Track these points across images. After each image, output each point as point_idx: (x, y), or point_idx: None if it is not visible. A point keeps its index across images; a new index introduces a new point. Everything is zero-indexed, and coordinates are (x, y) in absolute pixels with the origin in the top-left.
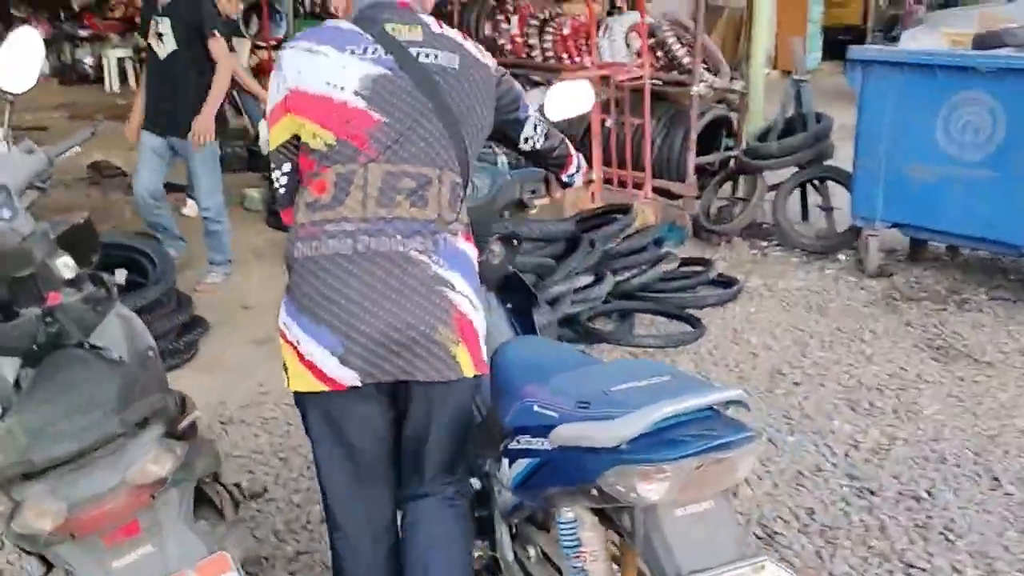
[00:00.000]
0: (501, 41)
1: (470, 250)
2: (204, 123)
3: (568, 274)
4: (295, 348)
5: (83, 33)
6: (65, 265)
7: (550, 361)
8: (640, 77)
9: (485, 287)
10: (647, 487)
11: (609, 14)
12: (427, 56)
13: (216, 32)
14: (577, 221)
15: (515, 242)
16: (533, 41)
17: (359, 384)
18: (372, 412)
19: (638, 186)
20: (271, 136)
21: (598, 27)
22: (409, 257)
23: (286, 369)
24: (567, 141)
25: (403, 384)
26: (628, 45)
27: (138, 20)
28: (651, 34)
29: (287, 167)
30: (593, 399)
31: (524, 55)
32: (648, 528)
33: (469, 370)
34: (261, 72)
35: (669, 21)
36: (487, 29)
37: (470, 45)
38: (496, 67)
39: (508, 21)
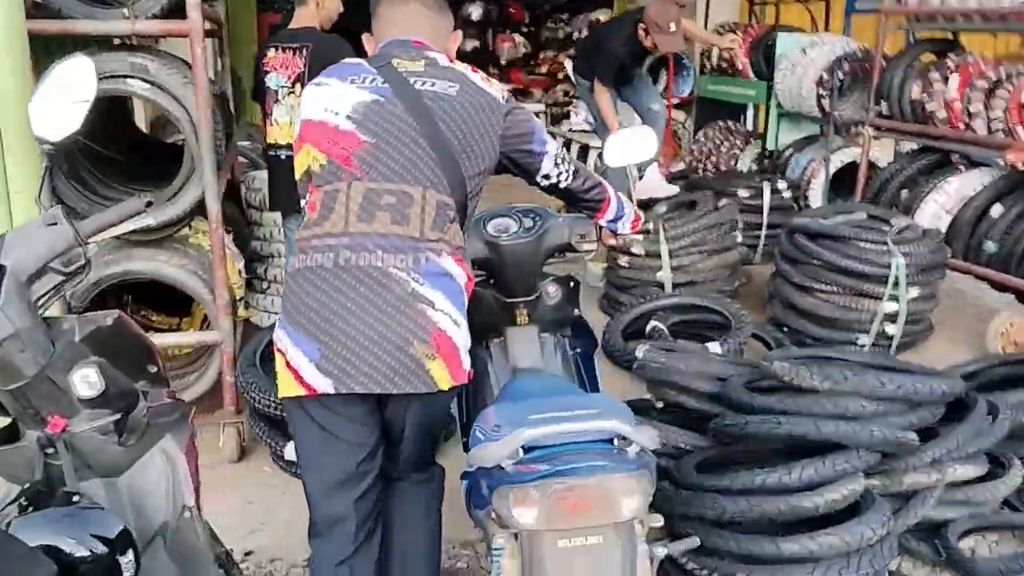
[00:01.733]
0: (931, 107)
1: (457, 271)
2: None
3: (940, 456)
4: (284, 356)
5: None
6: (84, 380)
7: (528, 391)
8: None
9: (539, 328)
10: (519, 511)
11: None
12: (423, 83)
13: None
14: (975, 372)
15: (572, 284)
16: (976, 107)
17: (331, 391)
18: (355, 413)
19: None
20: (296, 165)
21: None
22: (388, 273)
23: (279, 379)
24: (606, 185)
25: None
26: None
27: (560, 76)
28: None
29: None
30: (508, 423)
31: (961, 125)
32: (532, 556)
33: (444, 383)
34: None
35: None
36: (914, 91)
37: (476, 77)
38: (506, 98)
39: (945, 82)
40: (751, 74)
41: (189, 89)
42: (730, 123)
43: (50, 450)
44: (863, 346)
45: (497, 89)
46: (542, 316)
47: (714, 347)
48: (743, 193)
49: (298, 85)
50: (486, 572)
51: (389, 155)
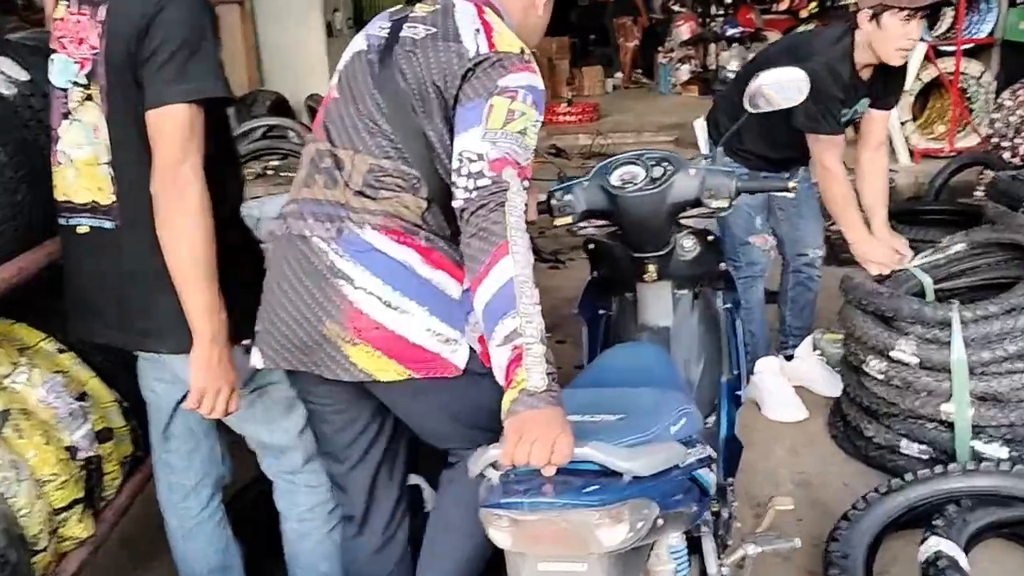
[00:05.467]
0: None
1: (392, 247)
2: None
3: None
4: None
5: (732, 32)
6: None
7: (600, 375)
8: None
9: (673, 284)
10: (493, 532)
11: None
12: (408, 29)
13: None
14: None
15: (709, 237)
16: None
17: (260, 367)
18: (320, 391)
19: None
20: None
21: None
22: (310, 244)
23: None
24: (500, 247)
25: None
26: None
27: (802, 15)
28: None
29: None
30: None
31: None
32: (515, 573)
33: (385, 373)
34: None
35: None
36: None
37: (467, 22)
38: (485, 55)
39: None
40: None
41: None
42: None
43: None
44: None
45: (479, 42)
46: (676, 271)
47: None
48: None
49: (95, 84)
50: None
51: (340, 113)
